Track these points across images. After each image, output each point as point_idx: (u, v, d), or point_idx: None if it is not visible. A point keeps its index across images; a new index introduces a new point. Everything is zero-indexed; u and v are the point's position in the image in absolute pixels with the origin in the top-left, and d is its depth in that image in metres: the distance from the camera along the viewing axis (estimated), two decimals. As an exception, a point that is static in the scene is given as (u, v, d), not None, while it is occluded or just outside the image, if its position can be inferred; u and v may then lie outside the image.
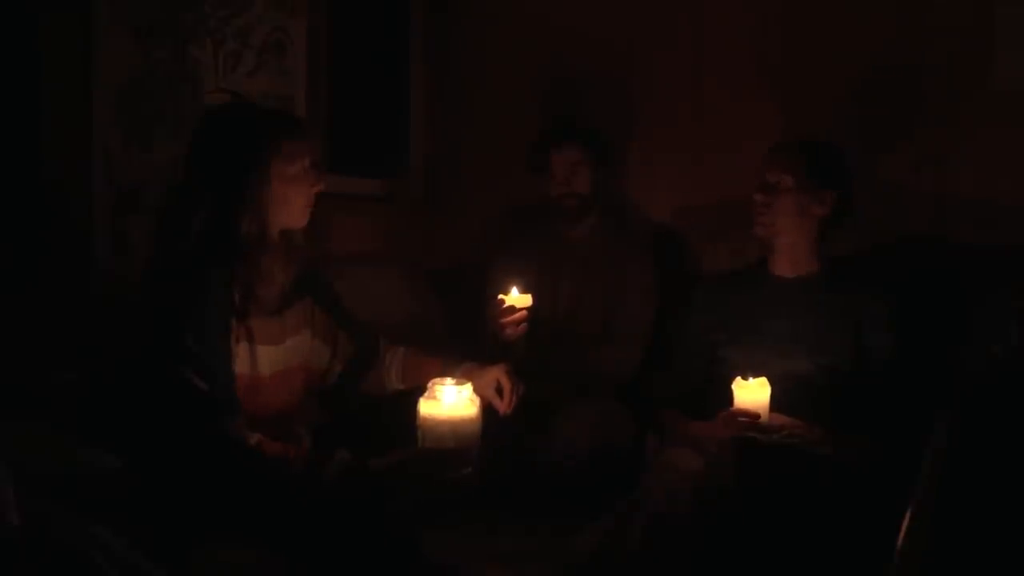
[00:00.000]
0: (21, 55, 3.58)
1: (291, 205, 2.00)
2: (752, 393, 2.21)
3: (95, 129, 3.65)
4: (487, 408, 1.99)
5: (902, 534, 1.62)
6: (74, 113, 3.65)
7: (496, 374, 2.12)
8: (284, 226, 2.03)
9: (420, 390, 1.95)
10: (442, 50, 3.31)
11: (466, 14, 3.28)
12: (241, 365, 1.98)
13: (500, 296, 2.41)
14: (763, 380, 2.22)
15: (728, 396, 2.24)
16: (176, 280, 1.92)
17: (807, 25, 2.80)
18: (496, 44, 3.24)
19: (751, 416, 2.19)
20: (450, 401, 1.90)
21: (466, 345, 2.71)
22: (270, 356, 2.03)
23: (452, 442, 1.89)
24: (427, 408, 1.91)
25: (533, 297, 2.43)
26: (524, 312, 2.40)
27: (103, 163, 3.67)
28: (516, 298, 2.40)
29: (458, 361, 2.15)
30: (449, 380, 1.94)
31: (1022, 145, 2.55)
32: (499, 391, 2.11)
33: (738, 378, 2.24)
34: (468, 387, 1.93)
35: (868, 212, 2.59)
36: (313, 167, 2.03)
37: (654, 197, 3.07)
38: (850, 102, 2.74)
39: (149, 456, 1.86)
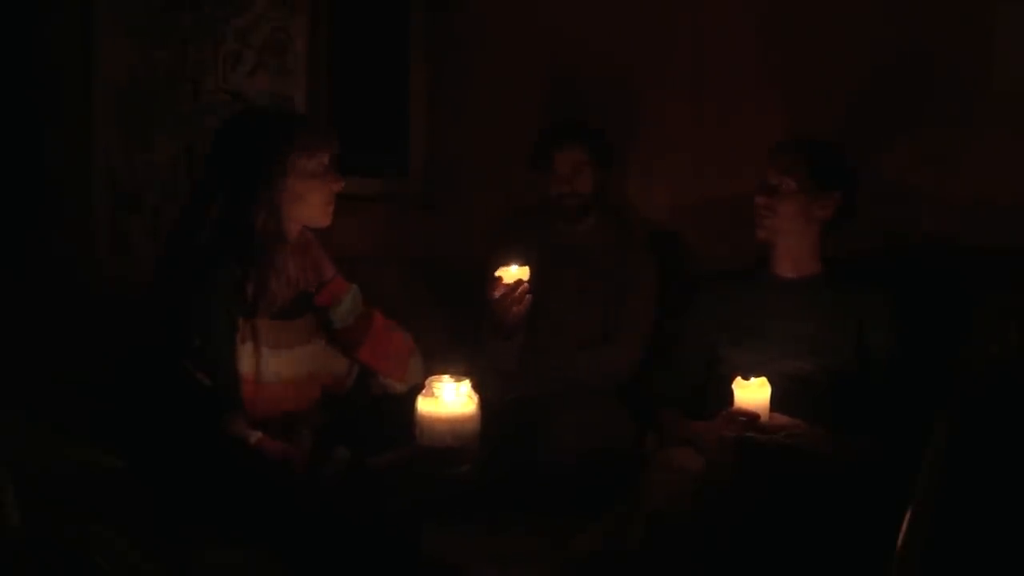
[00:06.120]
0: (21, 56, 3.59)
1: (309, 203, 2.02)
2: (752, 393, 2.21)
3: (95, 129, 3.66)
4: (485, 407, 1.99)
5: (902, 534, 1.62)
6: (74, 114, 3.65)
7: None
8: (304, 223, 2.04)
9: (419, 388, 1.95)
10: (442, 50, 3.31)
11: (466, 14, 3.28)
12: (245, 365, 1.98)
13: (498, 273, 2.43)
14: (763, 380, 2.22)
15: (728, 396, 2.24)
16: (187, 276, 1.93)
17: (807, 25, 2.80)
18: (496, 44, 3.24)
19: (751, 416, 2.19)
20: (449, 399, 1.90)
21: (466, 346, 2.72)
22: (275, 360, 2.03)
23: (451, 439, 1.89)
24: (426, 406, 1.91)
25: (531, 280, 2.44)
26: (525, 285, 2.41)
27: (103, 163, 3.68)
28: (515, 272, 2.42)
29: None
30: (447, 377, 1.93)
31: (1022, 145, 2.55)
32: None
33: (738, 378, 2.24)
34: (467, 384, 1.93)
35: (868, 212, 2.59)
36: (333, 165, 2.04)
37: (654, 197, 3.07)
38: (850, 102, 2.74)
39: (152, 455, 1.86)
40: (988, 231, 2.56)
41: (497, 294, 2.42)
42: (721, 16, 2.91)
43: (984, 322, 2.37)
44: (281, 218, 1.98)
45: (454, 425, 1.89)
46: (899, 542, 1.61)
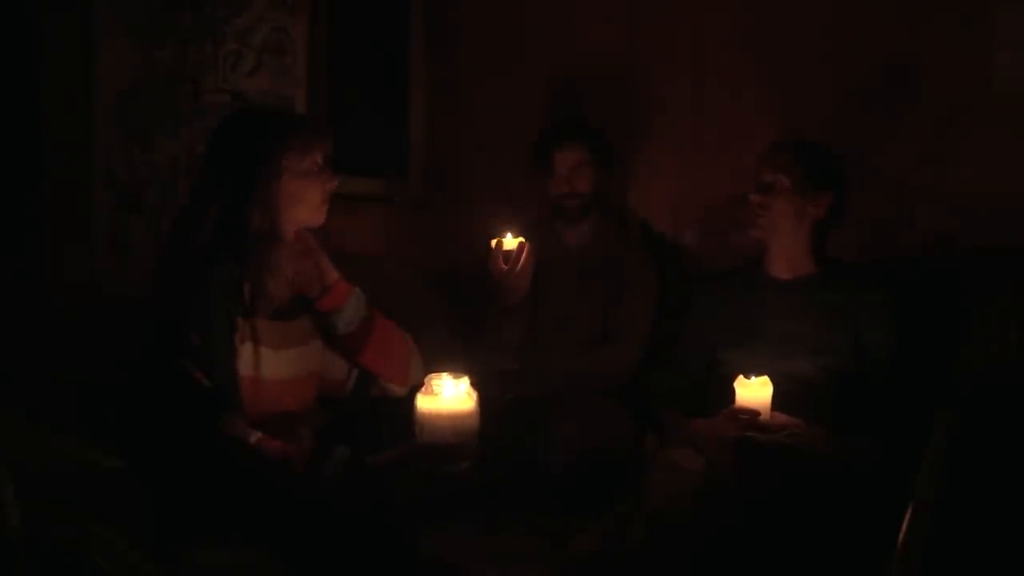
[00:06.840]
0: (22, 57, 3.59)
1: (304, 202, 2.01)
2: (754, 392, 2.22)
3: (95, 129, 3.66)
4: (485, 406, 1.99)
5: (902, 534, 1.62)
6: (74, 114, 3.65)
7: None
8: (300, 223, 2.04)
9: (418, 388, 1.95)
10: (442, 50, 3.31)
11: (466, 14, 3.28)
12: (244, 366, 1.98)
13: (495, 241, 2.48)
14: (765, 379, 2.23)
15: (728, 397, 2.25)
16: (186, 276, 1.93)
17: (807, 25, 2.80)
18: (496, 44, 3.24)
19: (752, 413, 2.19)
20: (448, 395, 1.90)
21: (466, 346, 2.72)
22: (274, 360, 2.02)
23: (450, 436, 1.88)
24: (425, 403, 1.90)
25: (527, 248, 2.54)
26: (528, 245, 2.50)
27: (103, 163, 3.68)
28: (511, 241, 2.54)
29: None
30: (446, 374, 1.93)
31: (1022, 145, 2.56)
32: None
33: (740, 376, 2.25)
34: (465, 381, 1.93)
35: (868, 212, 2.59)
36: (327, 164, 2.03)
37: (654, 197, 3.07)
38: (850, 102, 2.74)
39: (151, 455, 1.86)
40: (988, 231, 2.56)
41: (503, 263, 2.50)
42: (721, 16, 2.91)
43: (984, 322, 2.38)
44: (276, 218, 1.98)
45: (454, 421, 1.89)
46: (899, 542, 1.62)
